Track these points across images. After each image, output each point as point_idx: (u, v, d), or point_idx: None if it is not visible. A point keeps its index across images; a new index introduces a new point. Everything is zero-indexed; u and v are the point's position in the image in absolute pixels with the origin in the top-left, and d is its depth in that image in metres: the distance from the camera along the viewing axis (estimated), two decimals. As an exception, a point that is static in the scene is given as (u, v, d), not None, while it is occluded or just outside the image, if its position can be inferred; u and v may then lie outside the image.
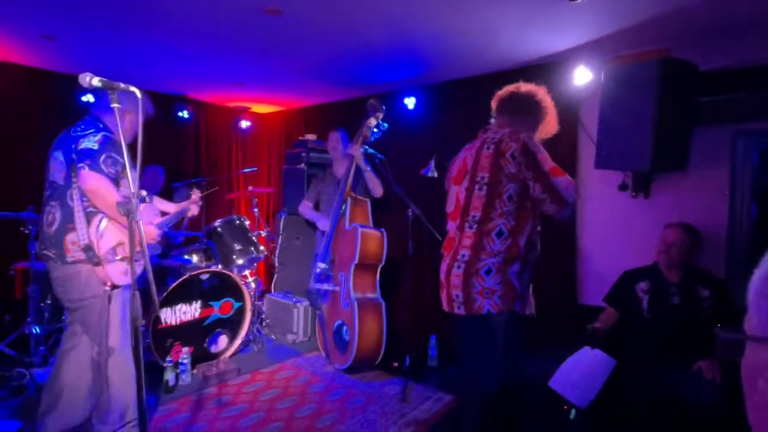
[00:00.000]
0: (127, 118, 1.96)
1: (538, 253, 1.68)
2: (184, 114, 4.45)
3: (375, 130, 2.99)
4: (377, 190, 3.16)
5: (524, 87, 1.79)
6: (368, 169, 3.06)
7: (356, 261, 3.01)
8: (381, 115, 2.98)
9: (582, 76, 2.79)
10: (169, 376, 2.73)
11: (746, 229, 2.55)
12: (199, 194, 2.77)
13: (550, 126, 1.78)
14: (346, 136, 3.36)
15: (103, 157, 1.80)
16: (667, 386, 2.06)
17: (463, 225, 1.64)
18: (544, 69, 2.99)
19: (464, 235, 1.63)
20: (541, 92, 1.77)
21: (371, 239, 3.09)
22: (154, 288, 1.39)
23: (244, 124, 4.97)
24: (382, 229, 3.19)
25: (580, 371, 2.16)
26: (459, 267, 1.61)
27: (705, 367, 2.02)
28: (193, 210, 2.67)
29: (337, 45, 2.93)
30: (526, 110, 1.75)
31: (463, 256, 1.61)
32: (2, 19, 2.62)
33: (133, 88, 1.34)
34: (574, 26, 2.45)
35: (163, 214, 2.61)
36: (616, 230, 2.92)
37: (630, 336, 2.31)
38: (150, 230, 2.14)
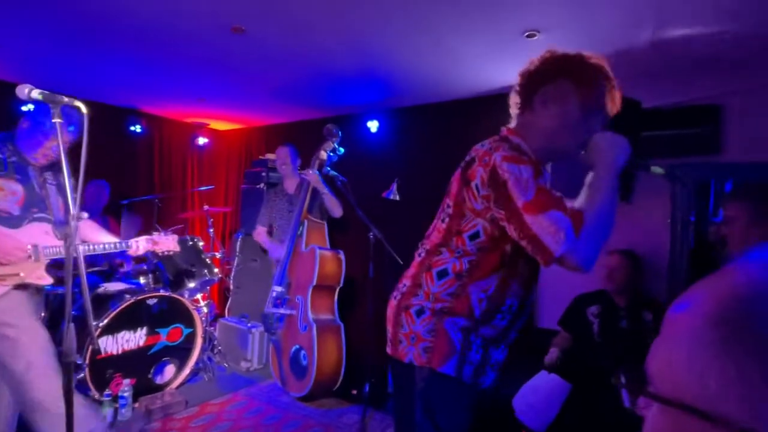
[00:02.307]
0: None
1: (507, 320, 1.17)
2: (137, 128, 4.25)
3: (331, 154, 3.00)
4: (336, 210, 3.17)
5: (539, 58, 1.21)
6: (326, 191, 3.07)
7: (314, 283, 2.95)
8: (337, 140, 3.00)
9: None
10: (106, 411, 2.50)
11: (685, 256, 2.72)
12: (171, 240, 2.23)
13: (594, 84, 1.14)
14: (295, 152, 3.35)
15: None
16: (619, 408, 2.12)
17: (418, 250, 1.28)
18: (503, 99, 3.10)
19: (413, 263, 1.27)
20: (553, 51, 1.20)
21: (330, 261, 3.06)
22: (91, 316, 1.28)
23: (202, 140, 4.81)
24: (341, 251, 3.16)
25: (538, 396, 2.18)
26: (395, 298, 1.25)
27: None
28: (142, 248, 2.12)
29: (300, 67, 2.93)
30: (533, 91, 1.18)
31: (404, 286, 1.24)
32: None
33: (77, 103, 1.25)
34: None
35: None
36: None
37: (582, 359, 2.38)
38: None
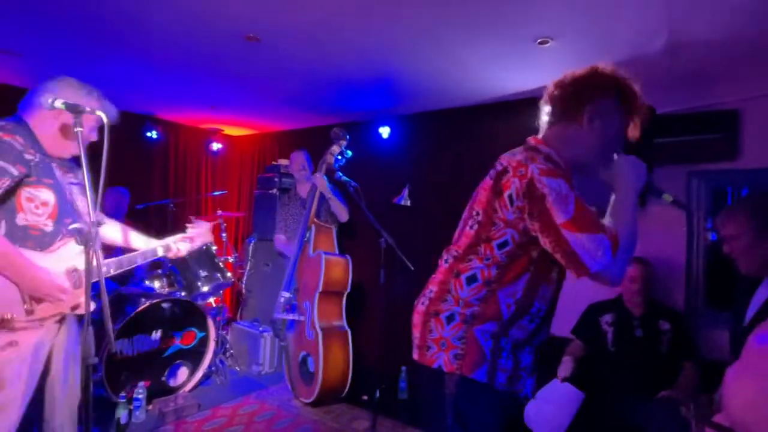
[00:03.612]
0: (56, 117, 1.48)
1: (536, 324, 1.21)
2: (153, 134, 4.34)
3: (339, 157, 3.01)
4: (343, 215, 3.18)
5: (574, 72, 1.24)
6: (332, 196, 3.09)
7: (320, 289, 2.94)
8: (344, 143, 3.00)
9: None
10: (121, 413, 2.54)
11: (702, 264, 2.67)
12: (205, 230, 2.00)
13: (635, 109, 1.21)
14: (310, 158, 3.38)
15: None
16: (633, 418, 2.09)
17: (443, 257, 1.30)
18: (515, 106, 3.11)
19: (439, 270, 1.29)
20: (600, 68, 1.22)
21: (335, 266, 3.04)
22: (109, 320, 1.30)
23: (216, 146, 4.88)
24: (347, 256, 3.15)
25: (550, 406, 2.16)
26: (423, 303, 1.28)
27: (668, 397, 2.06)
28: (184, 249, 1.90)
29: (313, 74, 2.96)
30: (572, 105, 1.20)
31: (430, 291, 1.27)
32: None
33: (99, 112, 1.30)
34: (543, 67, 2.57)
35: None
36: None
37: (596, 368, 2.35)
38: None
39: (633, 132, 1.23)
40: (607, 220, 1.17)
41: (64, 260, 1.47)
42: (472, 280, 1.18)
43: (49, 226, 1.45)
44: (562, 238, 1.05)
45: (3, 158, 1.32)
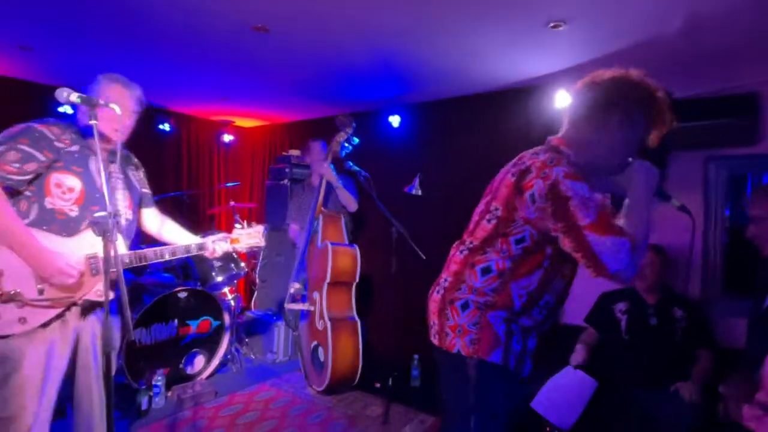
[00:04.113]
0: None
1: (544, 315, 1.27)
2: (166, 127, 4.38)
3: (345, 144, 2.97)
4: (351, 204, 3.14)
5: (605, 74, 1.27)
6: (340, 185, 3.05)
7: (328, 279, 2.93)
8: (350, 130, 2.95)
9: (563, 100, 2.86)
10: (141, 399, 2.62)
11: (720, 251, 2.62)
12: (256, 233, 1.92)
13: (659, 122, 1.22)
14: (326, 148, 3.37)
15: None
16: (647, 407, 2.08)
17: (458, 248, 1.36)
18: (527, 92, 3.07)
19: (453, 260, 1.35)
20: (629, 76, 1.24)
21: (343, 256, 3.01)
22: (128, 309, 1.34)
23: (227, 137, 4.92)
24: (355, 246, 3.12)
25: (563, 393, 2.16)
26: (438, 292, 1.34)
27: (683, 388, 2.04)
28: (220, 250, 1.82)
29: (322, 63, 2.94)
30: (602, 111, 1.23)
31: (445, 281, 1.34)
32: None
33: (112, 105, 1.32)
34: (556, 52, 2.52)
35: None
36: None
37: (610, 356, 2.34)
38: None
39: (654, 140, 1.25)
40: (622, 222, 1.19)
41: (86, 246, 1.51)
42: (486, 271, 1.24)
43: (75, 212, 1.50)
44: (585, 240, 1.11)
45: (33, 146, 1.42)
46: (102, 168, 1.34)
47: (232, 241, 1.86)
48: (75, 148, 1.52)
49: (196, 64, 3.06)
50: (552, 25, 2.18)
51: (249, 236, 1.91)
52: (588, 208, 1.11)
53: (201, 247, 1.78)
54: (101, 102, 1.33)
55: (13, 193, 1.44)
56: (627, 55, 2.50)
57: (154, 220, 1.92)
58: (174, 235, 1.89)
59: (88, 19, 2.39)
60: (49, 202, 1.47)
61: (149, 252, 1.68)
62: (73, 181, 1.50)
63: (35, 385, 1.43)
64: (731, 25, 2.04)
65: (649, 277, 2.32)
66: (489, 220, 1.27)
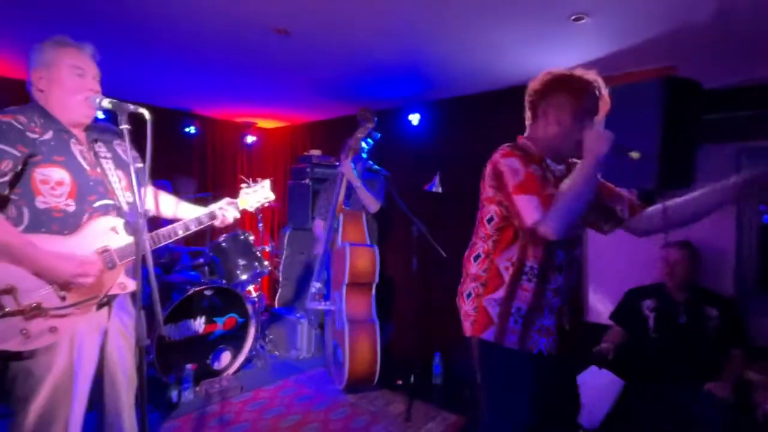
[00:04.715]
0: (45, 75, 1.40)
1: (534, 283, 1.41)
2: (191, 129, 4.51)
3: (368, 140, 2.90)
4: (371, 205, 3.04)
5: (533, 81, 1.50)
6: (360, 184, 2.96)
7: (347, 281, 2.92)
8: (372, 125, 2.85)
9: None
10: (171, 393, 2.71)
11: (755, 248, 2.52)
12: (263, 188, 1.85)
13: (584, 94, 1.40)
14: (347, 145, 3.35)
15: None
16: (676, 406, 2.03)
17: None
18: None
19: (464, 257, 1.59)
20: (550, 71, 1.46)
21: (361, 257, 2.97)
22: (158, 304, 1.37)
23: (250, 139, 5.02)
24: (374, 246, 3.07)
25: (588, 392, 2.12)
26: (458, 289, 1.58)
27: (716, 387, 1.98)
28: (231, 216, 1.74)
29: (342, 63, 2.97)
30: (540, 98, 1.47)
31: (462, 278, 1.58)
32: (5, 35, 2.66)
33: (142, 110, 1.35)
34: (577, 45, 2.47)
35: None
36: (621, 247, 2.90)
37: (637, 355, 2.28)
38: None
39: (602, 106, 1.41)
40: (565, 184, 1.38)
41: (92, 241, 1.40)
42: (477, 257, 1.50)
43: (72, 206, 1.37)
44: (512, 200, 1.35)
45: (2, 141, 1.27)
46: (147, 171, 1.28)
47: (241, 203, 1.79)
48: (49, 135, 1.36)
49: (219, 67, 3.14)
50: (574, 17, 2.14)
51: (255, 193, 1.82)
52: (515, 175, 1.35)
53: (211, 216, 1.68)
54: (131, 107, 1.37)
55: None
56: (651, 47, 2.43)
57: (151, 199, 1.72)
58: (178, 210, 1.75)
59: (113, 25, 2.46)
60: (40, 202, 1.32)
61: (162, 232, 1.56)
62: (60, 173, 1.34)
63: (68, 384, 1.38)
64: (765, 8, 1.96)
65: (677, 274, 2.26)
66: (478, 212, 1.53)
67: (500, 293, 1.42)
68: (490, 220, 1.45)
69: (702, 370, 2.09)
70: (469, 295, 1.49)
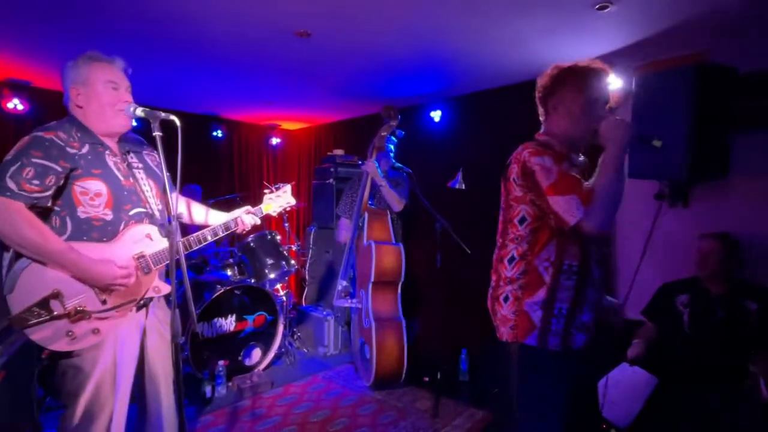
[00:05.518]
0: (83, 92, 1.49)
1: (573, 280, 1.38)
2: (218, 133, 4.64)
3: (392, 138, 2.91)
4: (395, 205, 3.04)
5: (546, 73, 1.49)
6: (384, 183, 2.97)
7: (372, 279, 2.94)
8: (395, 123, 2.84)
9: (612, 84, 2.72)
10: (205, 388, 2.81)
11: (797, 238, 2.40)
12: (284, 193, 1.98)
13: (590, 83, 1.40)
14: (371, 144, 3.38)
15: (13, 169, 1.32)
16: (711, 405, 1.95)
17: (495, 250, 1.55)
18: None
19: (494, 261, 1.54)
20: (557, 65, 1.46)
21: (387, 255, 2.98)
22: (192, 303, 1.43)
23: (275, 140, 5.13)
24: (400, 244, 3.08)
25: (620, 390, 2.08)
26: (489, 293, 1.54)
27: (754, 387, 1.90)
28: (248, 222, 1.87)
29: (363, 63, 2.99)
30: (549, 93, 1.47)
31: (492, 281, 1.53)
32: (29, 43, 2.74)
33: (172, 117, 1.41)
34: (603, 34, 2.41)
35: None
36: (653, 241, 2.81)
37: (670, 351, 2.21)
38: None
39: (613, 95, 1.42)
40: (592, 179, 1.40)
41: (130, 247, 1.50)
42: (511, 260, 1.44)
43: (109, 215, 1.46)
44: (547, 201, 1.33)
45: (47, 157, 1.36)
46: (166, 176, 1.38)
47: (265, 208, 1.93)
48: (86, 149, 1.46)
49: (243, 71, 3.22)
50: (599, 6, 2.09)
51: (279, 198, 1.95)
52: (548, 175, 1.33)
53: (237, 222, 1.83)
54: (162, 115, 1.42)
55: (42, 211, 1.38)
56: (682, 31, 2.35)
57: (183, 206, 1.86)
58: (209, 217, 1.89)
59: (140, 34, 2.55)
60: (81, 212, 1.42)
61: (191, 238, 1.67)
62: (98, 185, 1.45)
63: (112, 380, 1.48)
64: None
65: (712, 266, 2.17)
66: (501, 214, 1.50)
67: (541, 295, 1.38)
68: (522, 221, 1.42)
69: (739, 367, 2.00)
70: (506, 298, 1.44)
